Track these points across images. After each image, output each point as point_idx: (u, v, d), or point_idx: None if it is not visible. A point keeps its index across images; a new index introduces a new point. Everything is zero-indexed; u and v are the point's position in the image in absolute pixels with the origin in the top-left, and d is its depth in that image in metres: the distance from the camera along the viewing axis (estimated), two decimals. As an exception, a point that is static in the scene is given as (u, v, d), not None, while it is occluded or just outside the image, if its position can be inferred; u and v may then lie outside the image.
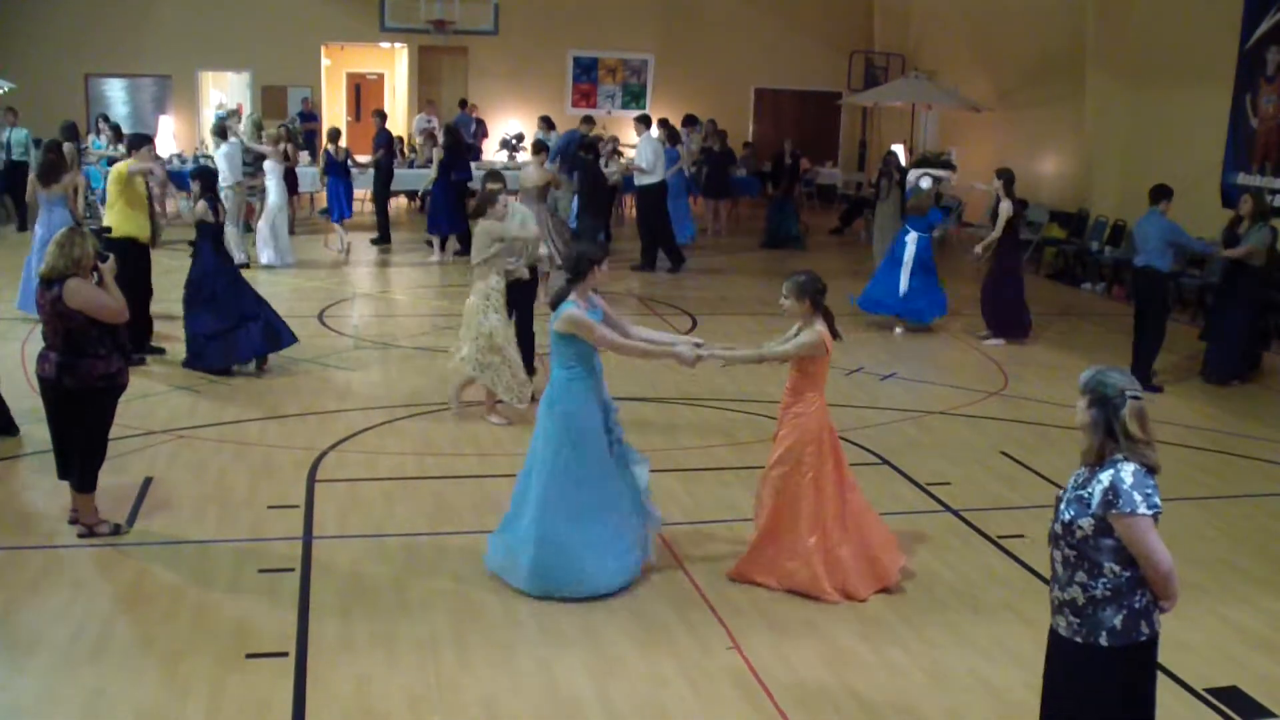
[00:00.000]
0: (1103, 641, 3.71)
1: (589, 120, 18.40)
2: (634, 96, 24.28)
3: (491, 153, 21.45)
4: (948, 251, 17.49)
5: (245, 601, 5.87)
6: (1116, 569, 3.67)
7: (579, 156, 15.39)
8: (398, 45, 24.07)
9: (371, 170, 17.72)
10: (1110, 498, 3.62)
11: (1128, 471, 3.63)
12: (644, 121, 16.53)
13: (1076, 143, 17.66)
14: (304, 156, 19.27)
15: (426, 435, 8.62)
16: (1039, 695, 5.22)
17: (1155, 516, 3.63)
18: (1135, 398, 3.71)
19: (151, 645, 5.41)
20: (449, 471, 7.86)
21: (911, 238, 12.56)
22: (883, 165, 16.45)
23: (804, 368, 6.05)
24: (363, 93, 25.89)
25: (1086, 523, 3.67)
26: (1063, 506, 3.79)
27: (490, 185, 9.01)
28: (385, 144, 17.65)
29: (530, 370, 9.28)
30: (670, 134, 18.13)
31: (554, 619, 5.82)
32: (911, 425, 9.29)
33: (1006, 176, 12.25)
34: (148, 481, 7.41)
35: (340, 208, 16.80)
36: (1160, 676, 5.42)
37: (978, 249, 12.43)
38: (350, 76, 25.85)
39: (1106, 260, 15.68)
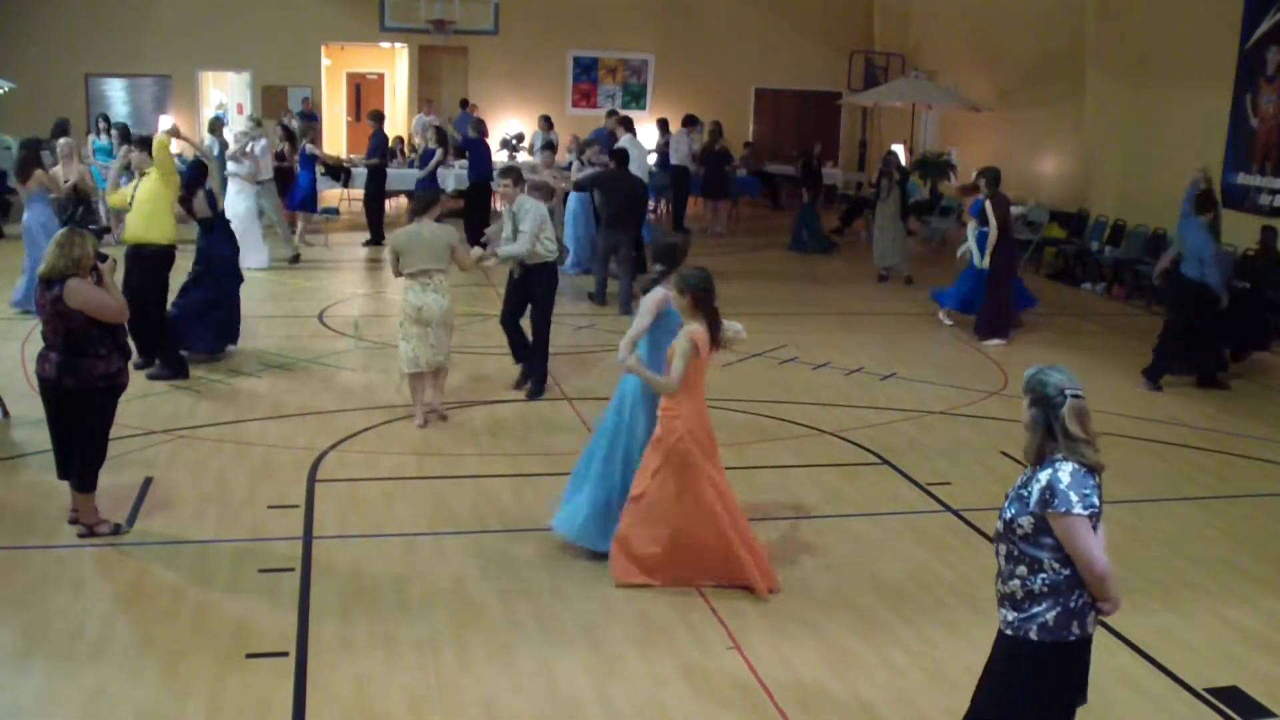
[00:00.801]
0: (1033, 636, 3.74)
1: (614, 114, 17.61)
2: (634, 96, 24.27)
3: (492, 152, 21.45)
4: (947, 251, 17.48)
5: (245, 601, 5.87)
6: (1056, 566, 3.71)
7: (596, 163, 15.16)
8: (398, 45, 24.07)
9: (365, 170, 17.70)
10: (1047, 497, 3.65)
11: (1065, 471, 3.65)
12: (624, 125, 16.54)
13: (1076, 143, 17.66)
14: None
15: (426, 435, 8.61)
16: (1039, 695, 5.26)
17: (1092, 517, 3.65)
18: (1075, 396, 3.71)
19: (151, 645, 5.41)
20: (449, 471, 7.86)
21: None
22: (883, 165, 16.44)
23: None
24: (363, 93, 25.88)
25: (1026, 521, 3.71)
26: (1006, 504, 3.82)
27: (502, 180, 9.39)
28: (380, 146, 17.52)
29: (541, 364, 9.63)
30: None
31: (554, 619, 5.82)
32: (911, 425, 9.28)
33: (990, 175, 12.24)
34: (148, 481, 7.41)
35: (300, 199, 16.70)
36: (1160, 676, 5.46)
37: (983, 262, 12.25)
38: (350, 76, 25.84)
39: (1106, 260, 15.68)
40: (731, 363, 10.41)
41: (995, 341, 12.12)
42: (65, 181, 12.47)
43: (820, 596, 6.18)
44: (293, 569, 6.24)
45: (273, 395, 9.44)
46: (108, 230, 11.83)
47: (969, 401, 9.99)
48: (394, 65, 25.28)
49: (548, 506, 6.84)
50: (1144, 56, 16.06)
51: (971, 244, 12.58)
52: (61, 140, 13.10)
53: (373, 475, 7.75)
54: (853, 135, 25.08)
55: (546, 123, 19.59)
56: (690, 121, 20.16)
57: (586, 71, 24.17)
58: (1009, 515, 3.77)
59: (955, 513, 7.43)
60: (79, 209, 12.27)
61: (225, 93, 23.48)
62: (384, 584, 6.13)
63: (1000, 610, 3.88)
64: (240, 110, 22.45)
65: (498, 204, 18.77)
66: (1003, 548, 3.83)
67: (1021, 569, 3.76)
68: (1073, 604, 3.73)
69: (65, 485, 6.63)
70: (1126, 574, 6.58)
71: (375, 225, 17.36)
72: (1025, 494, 3.73)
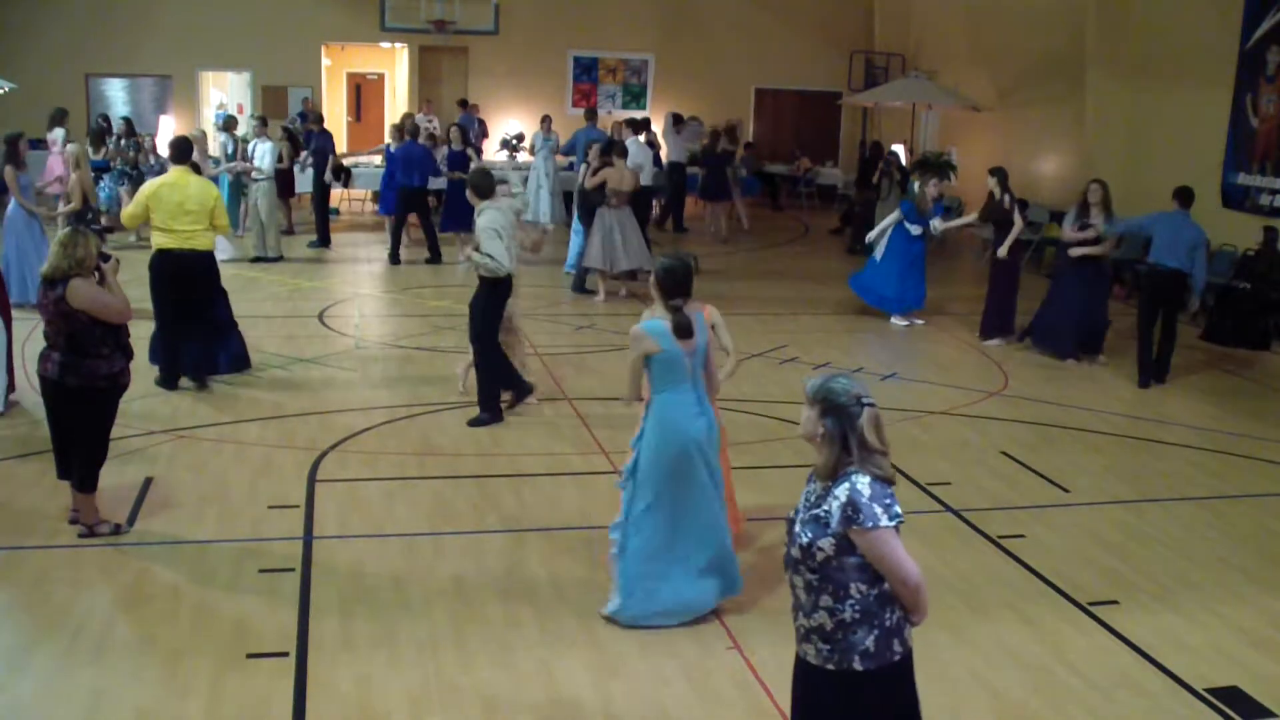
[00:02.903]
0: (856, 666, 3.48)
1: (641, 122, 17.74)
2: (634, 96, 24.27)
3: (492, 152, 21.46)
4: (949, 250, 17.49)
5: (245, 601, 5.88)
6: (864, 588, 3.45)
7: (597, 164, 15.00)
8: (398, 45, 24.07)
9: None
10: (850, 513, 3.38)
11: (864, 483, 3.40)
12: (631, 125, 16.55)
13: (1076, 143, 17.66)
14: (304, 156, 19.24)
15: (426, 435, 8.61)
16: (1039, 695, 5.25)
17: (898, 527, 3.43)
18: (870, 404, 3.48)
19: (151, 645, 5.41)
20: (449, 471, 7.85)
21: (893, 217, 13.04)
22: (883, 165, 16.44)
23: None
24: (363, 93, 25.89)
25: (827, 543, 3.42)
26: (798, 529, 3.52)
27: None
28: (313, 149, 17.18)
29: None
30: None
31: (555, 619, 5.82)
32: (911, 425, 9.28)
33: (1000, 174, 12.31)
34: (148, 481, 7.41)
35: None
36: (1160, 676, 5.46)
37: (1001, 251, 12.21)
38: (350, 76, 25.84)
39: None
40: (731, 363, 10.40)
41: (995, 341, 12.14)
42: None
43: (820, 596, 6.18)
44: (293, 569, 6.24)
45: (273, 395, 9.44)
46: (110, 230, 11.86)
47: (969, 401, 9.99)
48: (394, 65, 25.28)
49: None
50: (1144, 56, 16.05)
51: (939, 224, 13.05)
52: (71, 145, 13.07)
53: (373, 475, 7.75)
54: (853, 135, 25.07)
55: (547, 123, 19.58)
56: (678, 120, 19.92)
57: (586, 71, 24.16)
58: (805, 540, 3.46)
59: (955, 513, 7.43)
60: (90, 214, 12.29)
61: (225, 93, 23.49)
62: (384, 584, 6.13)
63: (805, 645, 3.56)
64: (240, 110, 22.45)
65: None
66: (800, 578, 3.52)
67: (826, 598, 3.46)
68: (889, 622, 3.50)
69: (65, 485, 6.63)
70: (1127, 573, 6.61)
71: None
72: (822, 514, 3.44)
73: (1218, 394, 10.63)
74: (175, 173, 9.40)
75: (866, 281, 13.16)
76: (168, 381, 9.41)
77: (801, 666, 3.64)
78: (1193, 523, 7.44)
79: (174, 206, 9.17)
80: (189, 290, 9.35)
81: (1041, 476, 8.13)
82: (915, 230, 12.82)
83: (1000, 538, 7.01)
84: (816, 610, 3.49)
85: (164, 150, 16.91)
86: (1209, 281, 13.28)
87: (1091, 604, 6.17)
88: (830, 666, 3.51)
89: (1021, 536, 7.03)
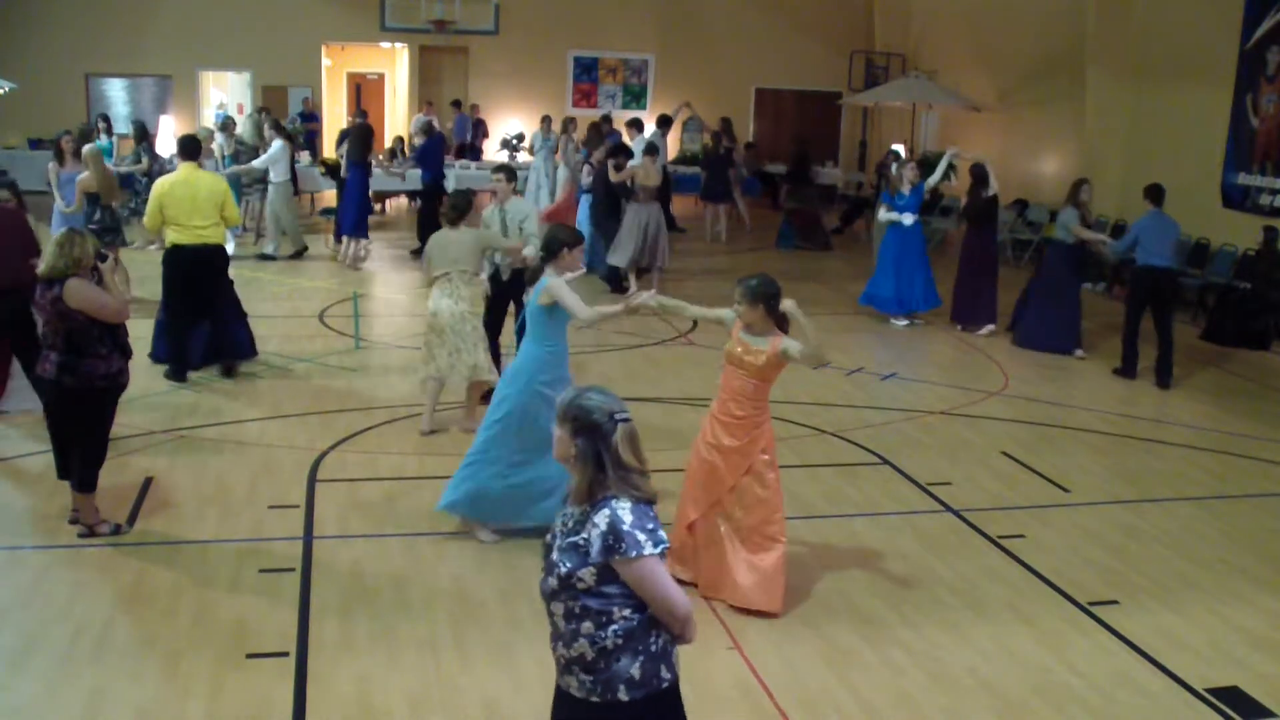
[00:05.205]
0: (622, 696, 3.26)
1: (637, 121, 17.84)
2: (634, 96, 24.29)
3: (492, 152, 21.47)
4: (948, 251, 17.48)
5: (245, 601, 5.87)
6: (627, 613, 3.23)
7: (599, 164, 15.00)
8: (398, 45, 24.09)
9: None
10: (611, 542, 3.15)
11: (625, 510, 3.18)
12: (635, 125, 16.54)
13: (1076, 143, 17.66)
14: (304, 156, 19.27)
15: (427, 435, 8.60)
16: (1039, 695, 5.26)
17: (663, 554, 3.22)
18: (625, 420, 3.25)
19: (151, 645, 5.41)
20: (449, 471, 7.80)
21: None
22: (881, 167, 16.48)
23: (769, 376, 5.89)
24: (363, 93, 25.89)
25: (587, 573, 3.20)
26: (555, 556, 3.29)
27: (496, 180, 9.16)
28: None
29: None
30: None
31: (554, 619, 5.81)
32: (911, 425, 9.28)
33: (975, 172, 12.60)
34: (148, 481, 7.41)
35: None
36: (1160, 676, 5.45)
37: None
38: (350, 76, 25.84)
39: (1107, 260, 15.64)
40: (731, 363, 10.40)
41: (988, 328, 12.30)
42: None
43: (821, 596, 6.18)
44: (293, 569, 6.24)
45: (273, 395, 9.44)
46: (113, 230, 11.82)
47: (969, 401, 9.99)
48: (394, 65, 25.29)
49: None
50: (1144, 56, 16.06)
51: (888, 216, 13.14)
52: (87, 148, 13.12)
53: (373, 475, 7.75)
54: (853, 135, 25.09)
55: (546, 123, 19.56)
56: (664, 122, 19.49)
57: (587, 71, 24.18)
58: (565, 569, 3.22)
59: (955, 513, 7.43)
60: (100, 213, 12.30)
61: (225, 93, 23.50)
62: (384, 584, 6.13)
63: (566, 677, 3.36)
64: (240, 110, 22.47)
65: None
66: (559, 606, 3.30)
67: (587, 625, 3.24)
68: (653, 648, 3.28)
69: (65, 485, 6.63)
70: (1127, 573, 6.61)
71: None
72: (582, 542, 3.21)
73: (1218, 394, 10.63)
74: (185, 169, 9.54)
75: (870, 290, 13.16)
76: (178, 373, 9.54)
77: (564, 700, 3.41)
78: (1193, 523, 7.44)
79: (187, 203, 9.34)
80: (201, 283, 9.53)
81: (1041, 476, 8.13)
82: (901, 218, 12.85)
83: (1000, 538, 7.00)
84: (577, 639, 3.27)
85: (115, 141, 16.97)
86: (1209, 281, 13.34)
87: (1091, 604, 6.18)
88: (595, 699, 3.29)
89: (1021, 536, 7.03)
